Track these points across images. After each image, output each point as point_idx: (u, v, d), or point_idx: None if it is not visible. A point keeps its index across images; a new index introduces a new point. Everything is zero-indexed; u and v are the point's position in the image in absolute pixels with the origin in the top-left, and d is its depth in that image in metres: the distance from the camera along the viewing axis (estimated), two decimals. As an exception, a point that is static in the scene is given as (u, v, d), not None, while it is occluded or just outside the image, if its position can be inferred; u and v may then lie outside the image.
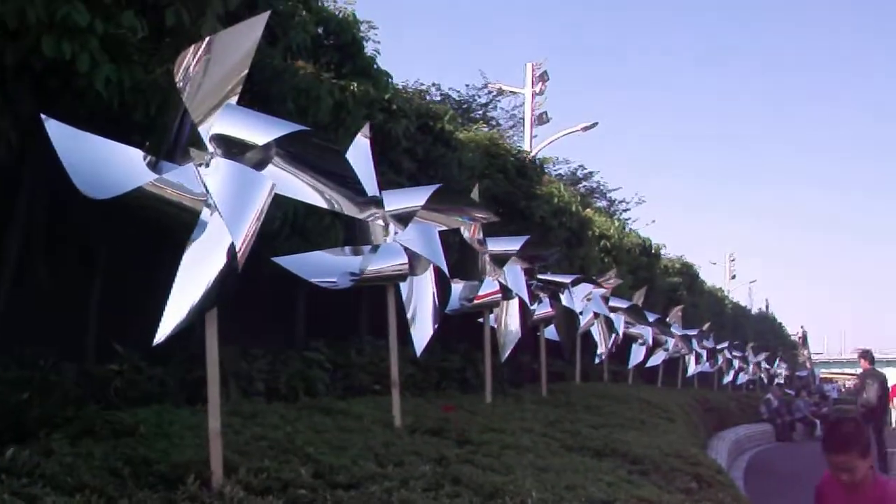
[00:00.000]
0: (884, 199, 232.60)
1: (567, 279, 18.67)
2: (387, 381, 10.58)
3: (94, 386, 8.93)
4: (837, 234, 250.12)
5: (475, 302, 14.03)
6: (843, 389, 54.84)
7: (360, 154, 9.75)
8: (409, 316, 10.49)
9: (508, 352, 15.40)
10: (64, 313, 9.99)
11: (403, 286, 10.44)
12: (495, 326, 15.23)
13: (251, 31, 6.71)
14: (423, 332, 10.50)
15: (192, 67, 6.60)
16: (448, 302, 11.07)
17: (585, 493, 7.66)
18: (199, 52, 6.63)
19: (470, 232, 13.66)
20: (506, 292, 14.47)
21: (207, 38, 6.80)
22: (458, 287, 13.52)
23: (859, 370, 29.04)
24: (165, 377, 9.68)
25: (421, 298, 10.51)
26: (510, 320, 15.38)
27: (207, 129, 6.50)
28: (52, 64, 7.94)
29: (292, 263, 9.68)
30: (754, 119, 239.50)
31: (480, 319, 14.83)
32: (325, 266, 9.98)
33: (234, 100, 6.67)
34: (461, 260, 13.90)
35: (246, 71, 6.67)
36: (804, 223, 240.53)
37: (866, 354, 27.77)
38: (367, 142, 10.09)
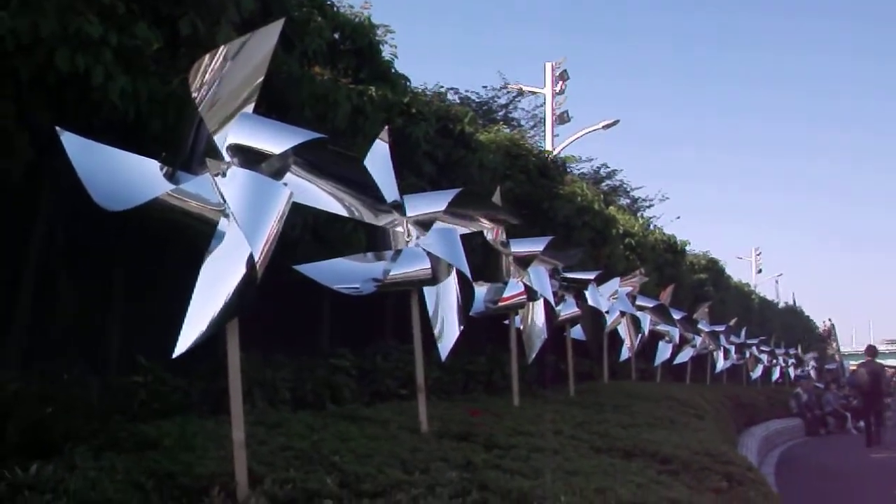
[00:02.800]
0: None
1: (591, 275, 18.57)
2: (413, 386, 10.55)
3: (117, 398, 8.91)
4: (863, 227, 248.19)
5: (500, 304, 13.98)
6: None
7: (379, 158, 9.71)
8: (434, 324, 10.42)
9: (535, 353, 15.34)
10: (86, 326, 9.98)
11: (429, 296, 10.38)
12: (521, 328, 15.17)
13: (266, 38, 6.67)
14: (448, 336, 10.44)
15: (207, 76, 6.56)
16: (472, 305, 11.01)
17: (615, 495, 7.57)
18: (215, 61, 6.59)
19: (493, 234, 13.61)
20: (531, 294, 14.42)
21: (223, 47, 6.77)
22: (482, 289, 13.48)
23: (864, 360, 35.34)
24: (189, 388, 9.65)
25: (445, 303, 10.45)
26: (536, 321, 15.32)
27: (224, 139, 6.47)
28: (67, 77, 7.92)
29: (314, 271, 9.62)
30: (778, 114, 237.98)
31: (506, 321, 14.79)
32: (347, 272, 9.92)
33: (250, 108, 6.64)
34: (485, 262, 13.86)
35: (262, 78, 6.64)
36: (829, 215, 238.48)
37: (870, 349, 34.85)
38: (387, 146, 10.04)
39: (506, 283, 14.04)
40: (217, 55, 6.62)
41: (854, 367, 48.08)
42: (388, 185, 9.27)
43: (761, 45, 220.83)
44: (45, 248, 9.35)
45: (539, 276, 14.73)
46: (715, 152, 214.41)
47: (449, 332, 10.46)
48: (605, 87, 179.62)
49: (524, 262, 14.32)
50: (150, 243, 9.63)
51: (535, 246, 14.52)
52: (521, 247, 14.33)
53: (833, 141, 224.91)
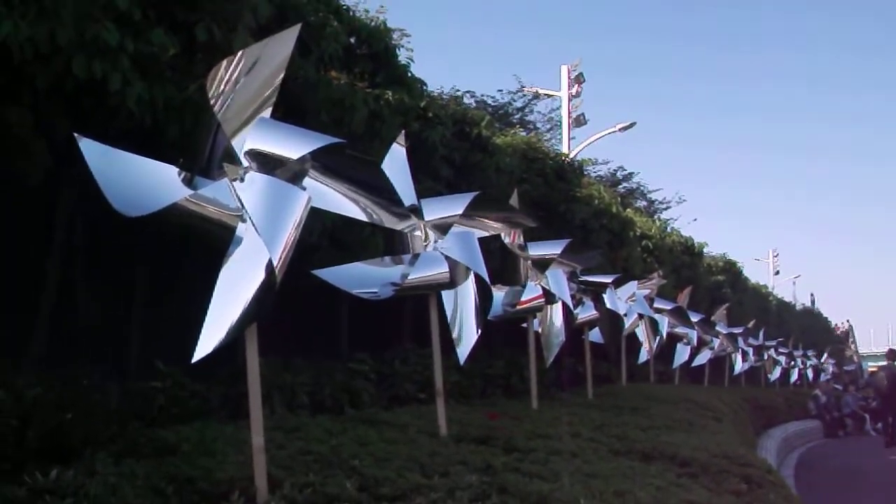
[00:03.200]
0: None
1: (609, 279, 18.58)
2: (431, 390, 10.54)
3: (136, 404, 8.94)
4: (882, 228, 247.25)
5: (518, 307, 13.98)
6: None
7: (396, 163, 9.71)
8: (453, 328, 10.43)
9: (553, 356, 15.34)
10: (105, 332, 10.01)
11: (447, 300, 10.38)
12: (539, 331, 15.16)
13: (283, 43, 6.69)
14: (467, 340, 10.45)
15: (224, 82, 6.58)
16: (490, 308, 11.01)
17: (634, 498, 7.58)
18: (232, 67, 6.61)
19: (510, 237, 13.60)
20: (549, 297, 14.42)
21: (240, 53, 6.79)
22: (500, 293, 13.47)
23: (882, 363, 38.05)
24: (208, 393, 9.67)
25: (464, 306, 10.46)
26: (554, 324, 15.32)
27: (241, 144, 6.48)
28: (84, 85, 7.95)
29: (332, 275, 9.63)
30: (794, 114, 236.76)
31: (524, 325, 14.78)
32: (365, 277, 9.93)
33: (267, 113, 6.65)
34: (503, 266, 13.86)
35: (278, 83, 6.65)
36: (848, 215, 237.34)
37: (891, 353, 34.82)
38: (404, 150, 10.05)
39: (524, 287, 14.05)
40: (234, 61, 6.63)
41: (873, 370, 48.12)
42: (405, 190, 9.27)
43: (776, 43, 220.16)
44: (65, 255, 9.38)
45: (557, 279, 14.73)
46: (734, 152, 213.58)
47: (468, 335, 10.47)
48: (622, 86, 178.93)
49: (542, 265, 14.32)
50: (169, 249, 9.66)
51: (553, 249, 14.51)
52: (538, 250, 14.32)
53: (854, 141, 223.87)
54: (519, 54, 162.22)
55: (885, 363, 35.54)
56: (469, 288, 10.34)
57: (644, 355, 23.31)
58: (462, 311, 10.44)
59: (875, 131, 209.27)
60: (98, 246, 9.85)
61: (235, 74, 6.58)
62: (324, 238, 11.24)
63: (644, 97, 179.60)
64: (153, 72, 8.52)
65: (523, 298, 13.96)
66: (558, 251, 14.44)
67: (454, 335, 10.46)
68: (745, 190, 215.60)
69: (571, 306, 15.50)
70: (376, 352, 13.51)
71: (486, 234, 11.03)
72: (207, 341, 6.00)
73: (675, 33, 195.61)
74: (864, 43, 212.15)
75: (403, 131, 10.70)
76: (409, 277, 9.70)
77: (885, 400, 33.42)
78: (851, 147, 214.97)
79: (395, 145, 10.12)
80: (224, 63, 6.64)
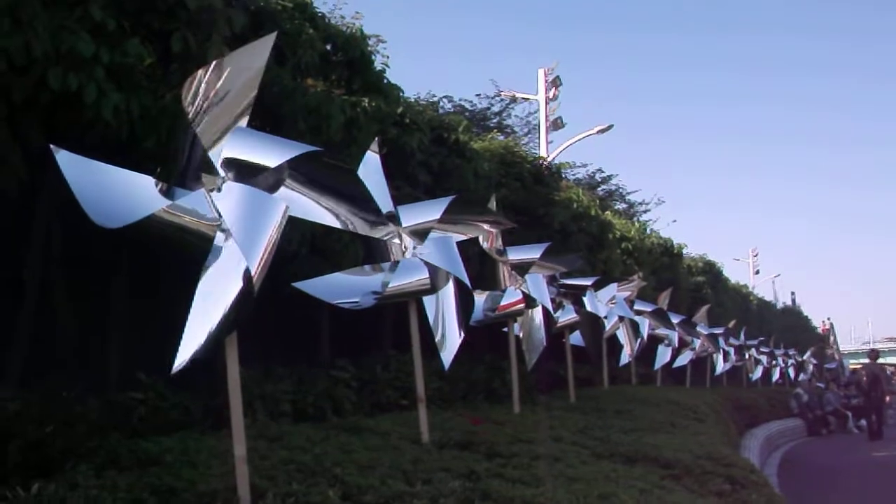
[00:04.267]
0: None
1: (589, 282, 18.60)
2: (413, 396, 10.53)
3: (117, 415, 8.89)
4: (861, 223, 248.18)
5: (499, 312, 13.97)
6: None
7: (371, 170, 9.71)
8: (435, 333, 10.41)
9: (535, 360, 15.32)
10: (85, 343, 9.97)
11: (429, 305, 10.36)
12: (520, 335, 15.16)
13: (259, 52, 6.69)
14: (450, 345, 10.42)
15: (200, 92, 6.57)
16: (471, 313, 11.00)
17: (618, 501, 7.58)
18: (208, 76, 6.60)
19: (489, 242, 13.60)
20: (529, 301, 14.41)
21: (216, 62, 6.78)
22: (480, 298, 13.46)
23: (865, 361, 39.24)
24: (190, 404, 9.63)
25: (446, 311, 10.44)
26: (535, 328, 15.31)
27: (218, 154, 6.47)
28: (60, 96, 7.91)
29: (313, 287, 9.61)
30: (772, 112, 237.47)
31: (505, 329, 14.76)
32: (345, 287, 9.91)
33: (244, 122, 6.64)
34: (482, 271, 13.85)
35: (255, 92, 6.64)
36: (825, 212, 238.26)
37: (872, 352, 37.77)
38: (378, 157, 10.05)
39: (504, 291, 14.05)
40: (210, 70, 6.62)
41: (855, 367, 48.45)
42: (381, 196, 9.28)
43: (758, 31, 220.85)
44: (43, 266, 9.34)
45: (536, 283, 14.73)
46: (712, 145, 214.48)
47: (451, 340, 10.45)
48: (600, 80, 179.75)
49: (521, 269, 14.32)
50: (149, 259, 9.62)
51: (532, 253, 14.53)
52: (517, 254, 14.33)
53: (832, 131, 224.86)
54: (497, 61, 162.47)
55: (867, 361, 36.98)
56: (451, 292, 10.33)
57: (625, 357, 23.30)
58: (444, 316, 10.43)
59: (860, 121, 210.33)
60: (76, 257, 9.81)
61: (211, 84, 6.57)
62: (303, 246, 11.21)
63: (621, 89, 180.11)
64: (129, 82, 8.49)
65: (503, 303, 13.98)
66: (538, 255, 14.45)
67: (437, 340, 10.45)
68: (724, 187, 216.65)
69: (552, 310, 15.51)
70: (357, 357, 13.46)
71: (464, 238, 11.02)
72: (187, 352, 5.98)
73: (661, 23, 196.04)
74: (854, 27, 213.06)
75: (377, 139, 10.70)
76: (390, 285, 9.69)
77: (867, 397, 34.59)
78: (835, 139, 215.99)
79: (369, 153, 10.12)
80: (200, 73, 6.63)
